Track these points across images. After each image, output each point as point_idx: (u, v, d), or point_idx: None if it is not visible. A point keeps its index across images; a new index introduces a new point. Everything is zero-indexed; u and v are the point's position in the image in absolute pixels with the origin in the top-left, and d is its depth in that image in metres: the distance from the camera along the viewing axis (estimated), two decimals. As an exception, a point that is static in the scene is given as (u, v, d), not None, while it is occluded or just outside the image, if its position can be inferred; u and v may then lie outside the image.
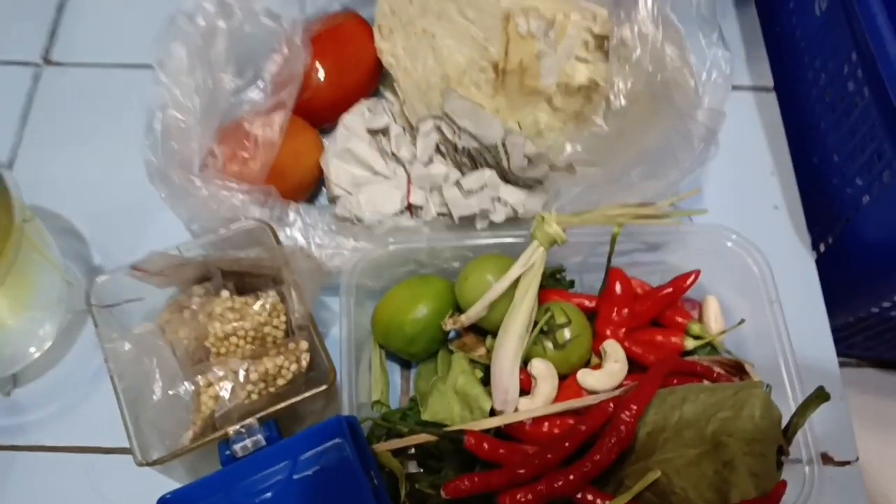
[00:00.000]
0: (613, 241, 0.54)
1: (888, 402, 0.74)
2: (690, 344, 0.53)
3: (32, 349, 0.57)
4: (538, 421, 0.49)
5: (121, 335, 0.45)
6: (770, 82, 0.73)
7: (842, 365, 0.63)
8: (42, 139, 0.68)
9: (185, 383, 0.45)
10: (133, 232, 0.62)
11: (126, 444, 0.55)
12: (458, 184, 0.55)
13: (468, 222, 0.54)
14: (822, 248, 0.67)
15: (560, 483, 0.45)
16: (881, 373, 0.76)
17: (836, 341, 0.63)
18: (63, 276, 0.56)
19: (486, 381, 0.51)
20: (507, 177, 0.55)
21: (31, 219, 0.49)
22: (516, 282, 0.50)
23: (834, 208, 0.65)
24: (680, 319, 0.54)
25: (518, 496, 0.45)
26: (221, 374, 0.45)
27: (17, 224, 0.48)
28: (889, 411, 0.75)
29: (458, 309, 0.53)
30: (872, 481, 0.66)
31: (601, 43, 0.55)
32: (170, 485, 0.48)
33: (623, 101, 0.51)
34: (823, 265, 0.66)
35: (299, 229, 0.55)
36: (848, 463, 0.56)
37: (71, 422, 0.56)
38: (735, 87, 0.71)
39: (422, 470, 0.52)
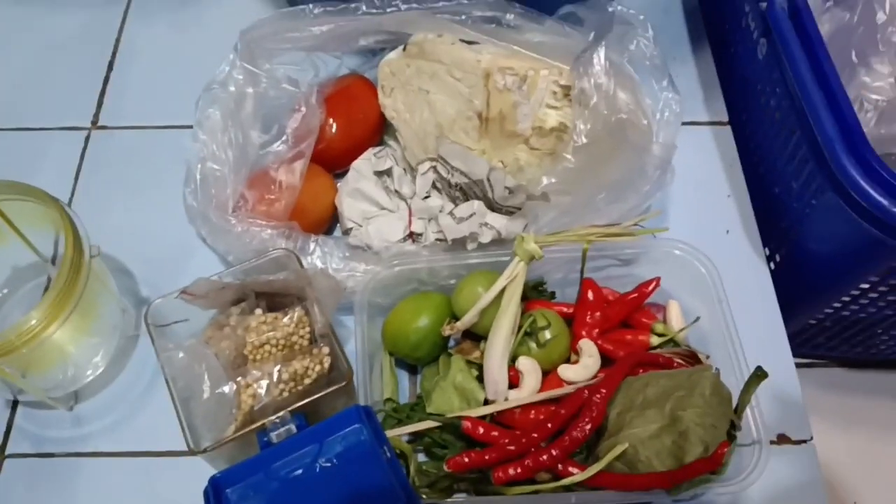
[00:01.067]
0: (584, 256, 0.63)
1: (849, 397, 0.82)
2: (655, 341, 0.62)
3: (90, 371, 0.66)
4: (525, 409, 0.58)
5: (175, 346, 0.55)
6: (725, 117, 0.83)
7: (810, 366, 0.72)
8: (93, 193, 0.78)
9: (229, 384, 0.54)
10: (173, 266, 0.72)
11: (174, 448, 0.64)
12: (451, 213, 0.65)
13: (460, 244, 0.64)
14: (777, 258, 0.76)
15: (544, 457, 0.53)
16: (845, 371, 0.84)
17: (801, 343, 0.71)
18: (119, 305, 0.66)
19: (480, 378, 0.60)
20: (492, 206, 0.65)
21: (96, 254, 0.59)
22: (502, 292, 0.60)
23: (783, 225, 0.74)
24: (646, 320, 0.63)
25: (509, 470, 0.53)
26: (258, 375, 0.54)
27: (87, 260, 0.58)
28: (849, 404, 0.82)
29: (455, 317, 0.63)
30: (832, 466, 0.73)
31: (567, 92, 0.66)
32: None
33: (584, 140, 0.61)
34: (778, 276, 0.74)
35: (318, 257, 0.65)
36: (804, 441, 0.64)
37: (126, 430, 0.65)
38: (694, 123, 0.82)
39: (428, 459, 0.60)
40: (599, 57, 0.61)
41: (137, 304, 0.71)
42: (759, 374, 0.54)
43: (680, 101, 0.69)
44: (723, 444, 0.51)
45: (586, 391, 0.56)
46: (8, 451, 0.65)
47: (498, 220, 0.63)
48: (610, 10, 0.69)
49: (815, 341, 0.84)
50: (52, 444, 0.65)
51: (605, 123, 0.61)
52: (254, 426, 0.53)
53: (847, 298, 0.72)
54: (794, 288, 0.74)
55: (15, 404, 0.67)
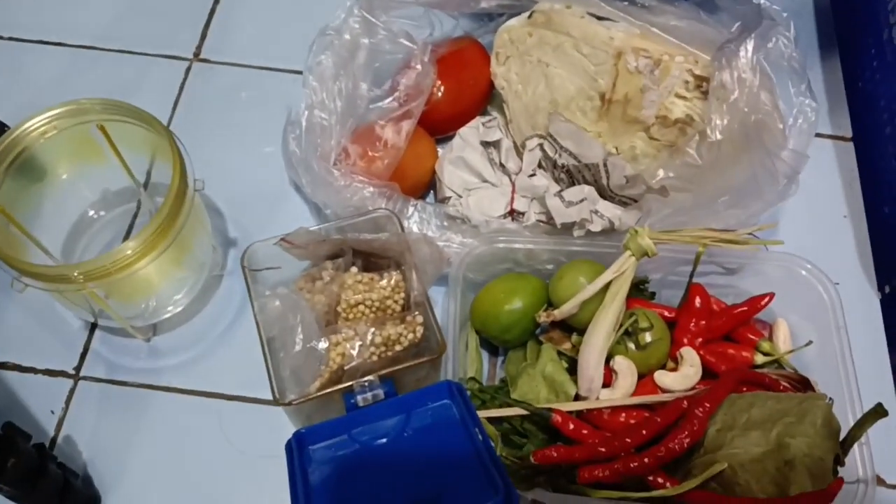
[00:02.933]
0: (697, 260, 0.59)
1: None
2: (759, 359, 0.58)
3: (171, 306, 0.65)
4: (616, 411, 0.55)
5: (272, 293, 0.53)
6: (849, 133, 0.78)
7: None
8: (188, 125, 0.77)
9: (322, 339, 0.52)
10: (264, 211, 0.71)
11: (246, 393, 0.64)
12: (559, 195, 0.62)
13: (567, 229, 0.61)
14: (886, 289, 0.71)
15: (635, 464, 0.51)
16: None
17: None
18: (211, 242, 0.65)
19: (571, 371, 0.58)
20: (603, 193, 0.62)
21: (200, 189, 0.58)
22: (607, 286, 0.57)
23: (899, 253, 0.69)
24: (751, 336, 0.59)
25: (596, 471, 0.51)
26: (351, 334, 0.53)
27: (190, 193, 0.56)
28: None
29: (551, 304, 0.60)
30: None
31: (700, 83, 0.62)
32: (289, 432, 0.56)
33: (718, 136, 0.57)
34: (887, 306, 0.70)
35: (416, 222, 0.63)
36: (897, 487, 0.60)
37: (200, 369, 0.65)
38: (816, 135, 0.77)
39: (503, 445, 0.58)
40: (747, 50, 0.57)
41: (225, 244, 0.70)
42: (879, 411, 0.50)
43: (816, 109, 0.64)
44: (838, 482, 0.48)
45: (685, 402, 0.53)
46: (83, 373, 0.65)
47: (610, 210, 0.60)
48: (755, 1, 0.64)
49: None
50: (127, 372, 0.65)
51: (743, 122, 0.57)
52: (341, 386, 0.51)
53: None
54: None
55: (93, 328, 0.67)
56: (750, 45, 0.57)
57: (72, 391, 0.64)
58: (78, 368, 0.65)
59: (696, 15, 0.65)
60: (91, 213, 0.69)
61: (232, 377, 0.64)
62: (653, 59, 0.61)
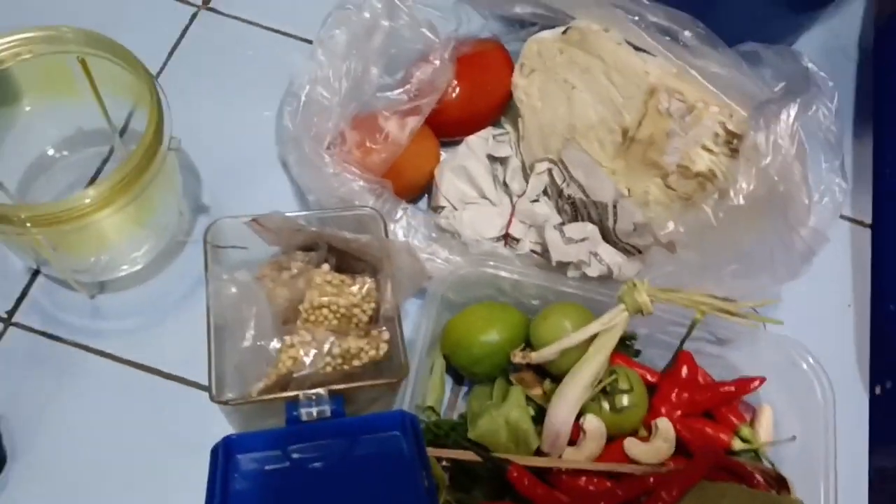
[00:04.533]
0: (692, 327, 0.55)
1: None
2: (737, 445, 0.54)
3: (126, 265, 0.60)
4: (577, 474, 0.51)
5: (229, 278, 0.48)
6: (869, 219, 0.74)
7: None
8: (182, 76, 0.71)
9: (275, 339, 0.47)
10: (245, 184, 0.66)
11: (186, 376, 0.59)
12: (559, 228, 0.57)
13: (561, 268, 0.56)
14: (877, 389, 0.68)
15: (587, 538, 0.46)
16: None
17: (870, 485, 0.63)
18: (178, 207, 0.59)
19: (536, 420, 0.53)
20: (606, 236, 0.58)
21: (175, 148, 0.52)
22: (592, 337, 0.52)
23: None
24: (733, 419, 0.55)
25: (544, 537, 0.47)
26: (308, 339, 0.48)
27: (164, 150, 0.51)
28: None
29: (529, 345, 0.55)
30: None
31: (730, 139, 0.57)
32: (222, 428, 0.51)
33: (742, 201, 0.53)
34: (875, 407, 0.66)
35: (403, 227, 0.58)
36: None
37: (142, 340, 0.60)
38: (836, 216, 0.73)
39: (450, 485, 0.54)
40: (788, 115, 0.53)
41: (195, 211, 0.65)
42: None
43: (845, 191, 0.60)
44: None
45: (653, 479, 0.48)
46: (15, 319, 0.60)
47: (611, 255, 0.56)
48: (804, 64, 0.60)
49: (888, 487, 0.76)
50: (63, 328, 0.60)
51: (771, 190, 0.53)
52: (286, 394, 0.47)
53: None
54: (890, 426, 0.66)
55: (36, 273, 0.61)
56: (793, 110, 0.53)
57: (-1, 336, 0.59)
58: (11, 314, 0.60)
59: (739, 66, 0.61)
60: (53, 152, 0.63)
61: (174, 355, 0.59)
62: (687, 104, 0.57)
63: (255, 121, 0.67)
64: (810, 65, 0.60)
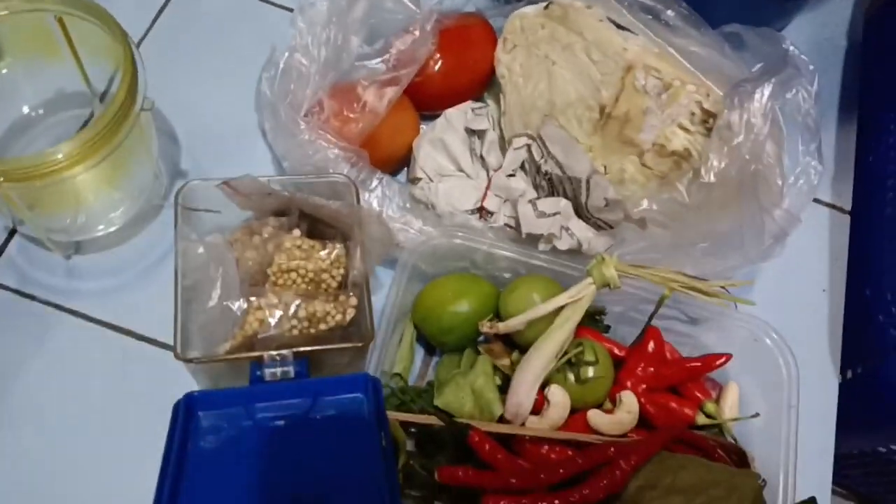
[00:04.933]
0: (661, 303, 0.56)
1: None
2: (701, 420, 0.55)
3: (102, 226, 0.60)
4: (539, 442, 0.51)
5: (198, 238, 0.48)
6: (848, 205, 0.74)
7: (833, 493, 0.65)
8: (165, 41, 0.71)
9: (241, 300, 0.48)
10: (223, 149, 0.66)
11: (158, 337, 0.59)
12: (532, 202, 0.57)
13: (532, 241, 0.56)
14: (848, 374, 0.68)
15: (544, 504, 0.47)
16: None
17: (834, 470, 0.63)
18: (154, 169, 0.60)
19: (501, 390, 0.54)
20: (579, 211, 0.58)
21: (149, 108, 0.53)
22: (560, 309, 0.53)
23: (872, 342, 0.66)
24: (698, 394, 0.56)
25: (502, 502, 0.47)
26: (275, 301, 0.48)
27: (137, 110, 0.51)
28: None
29: (498, 316, 0.56)
30: None
31: (706, 118, 0.57)
32: (189, 387, 0.51)
33: (712, 178, 0.53)
34: (844, 392, 0.66)
35: (377, 197, 0.58)
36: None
37: (115, 301, 0.60)
38: (815, 200, 0.73)
39: (416, 451, 0.54)
40: (763, 94, 0.53)
41: (173, 174, 0.65)
42: (811, 505, 0.47)
43: (821, 173, 0.60)
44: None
45: (613, 449, 0.49)
46: (-9, 277, 0.60)
47: (582, 230, 0.56)
48: (784, 46, 0.60)
49: (848, 472, 0.77)
50: (38, 287, 0.60)
51: (741, 169, 0.53)
52: (250, 354, 0.47)
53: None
54: (857, 412, 0.66)
55: (13, 233, 0.61)
56: (767, 90, 0.52)
57: (-26, 294, 0.59)
58: (-14, 272, 0.60)
59: (720, 47, 0.61)
60: (31, 113, 0.63)
61: (146, 317, 0.59)
62: (663, 81, 0.57)
63: (237, 88, 0.67)
64: (791, 48, 0.60)
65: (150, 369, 0.58)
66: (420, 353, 0.61)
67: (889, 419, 0.66)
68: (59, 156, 0.47)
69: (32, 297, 0.60)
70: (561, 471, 0.48)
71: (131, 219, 0.61)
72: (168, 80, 0.68)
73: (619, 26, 0.61)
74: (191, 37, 0.72)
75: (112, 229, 0.61)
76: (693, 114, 0.58)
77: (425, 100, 0.66)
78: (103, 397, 0.57)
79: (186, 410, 0.44)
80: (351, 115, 0.60)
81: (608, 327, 0.60)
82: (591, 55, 0.59)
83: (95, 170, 0.51)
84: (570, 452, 0.51)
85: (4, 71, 0.60)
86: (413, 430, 0.54)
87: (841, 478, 0.79)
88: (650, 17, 0.61)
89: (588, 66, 0.59)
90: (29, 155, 0.48)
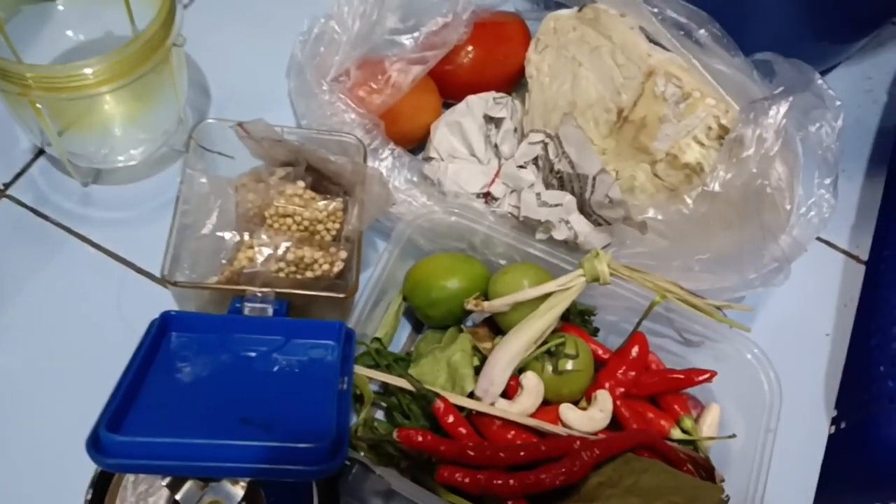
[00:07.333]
0: (650, 308, 0.55)
1: None
2: (676, 434, 0.53)
3: (123, 158, 0.62)
4: (506, 426, 0.51)
5: (203, 169, 0.50)
6: (865, 255, 0.73)
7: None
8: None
9: (233, 233, 0.49)
10: (250, 110, 0.66)
11: (155, 271, 0.60)
12: (537, 193, 0.58)
13: (530, 227, 0.57)
14: (842, 425, 0.66)
15: (499, 482, 0.46)
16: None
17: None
18: (179, 112, 0.62)
19: (478, 371, 0.53)
20: (583, 208, 0.58)
21: (181, 44, 0.55)
22: (547, 296, 0.53)
23: (869, 393, 0.64)
24: (677, 408, 0.55)
25: (457, 474, 0.46)
26: (265, 240, 0.49)
27: (169, 43, 0.54)
28: None
29: (486, 297, 0.56)
30: None
31: (723, 134, 0.57)
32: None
33: (717, 188, 0.52)
34: (833, 444, 0.64)
35: (387, 167, 0.59)
36: None
37: (123, 233, 0.62)
38: (830, 244, 0.72)
39: (385, 420, 0.54)
40: (778, 111, 0.53)
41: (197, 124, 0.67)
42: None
43: (833, 208, 0.59)
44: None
45: (578, 442, 0.48)
46: (10, 192, 0.63)
47: (581, 224, 0.56)
48: (815, 80, 0.60)
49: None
50: (52, 209, 0.62)
51: (747, 184, 0.52)
52: (234, 286, 0.48)
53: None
54: (844, 466, 0.64)
55: (39, 155, 0.64)
56: (783, 107, 0.52)
57: (-8, 205, 0.62)
58: (7, 186, 0.63)
59: (748, 71, 0.61)
60: (76, 47, 0.65)
61: (149, 252, 0.60)
62: (683, 90, 0.57)
63: (273, 54, 0.69)
64: (820, 80, 0.60)
65: (143, 302, 0.58)
66: (407, 328, 0.61)
67: (880, 475, 0.63)
68: (88, 71, 0.49)
69: (46, 217, 0.62)
70: (522, 453, 0.48)
71: (151, 158, 0.63)
72: (209, 36, 0.71)
73: (650, 40, 0.62)
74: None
75: (132, 163, 0.63)
76: (710, 128, 0.57)
77: (451, 88, 0.67)
78: (94, 321, 0.58)
79: (160, 327, 0.44)
80: (374, 87, 0.61)
81: (597, 330, 0.59)
82: (616, 58, 0.60)
83: (121, 97, 0.53)
84: (535, 441, 0.50)
85: (60, 7, 0.64)
86: (384, 404, 0.54)
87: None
88: (682, 32, 0.62)
89: (612, 68, 0.60)
90: (59, 65, 0.50)
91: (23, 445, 0.53)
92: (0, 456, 0.53)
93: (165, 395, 0.40)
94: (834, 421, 0.65)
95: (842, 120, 0.60)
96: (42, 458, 0.53)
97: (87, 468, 0.45)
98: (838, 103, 0.60)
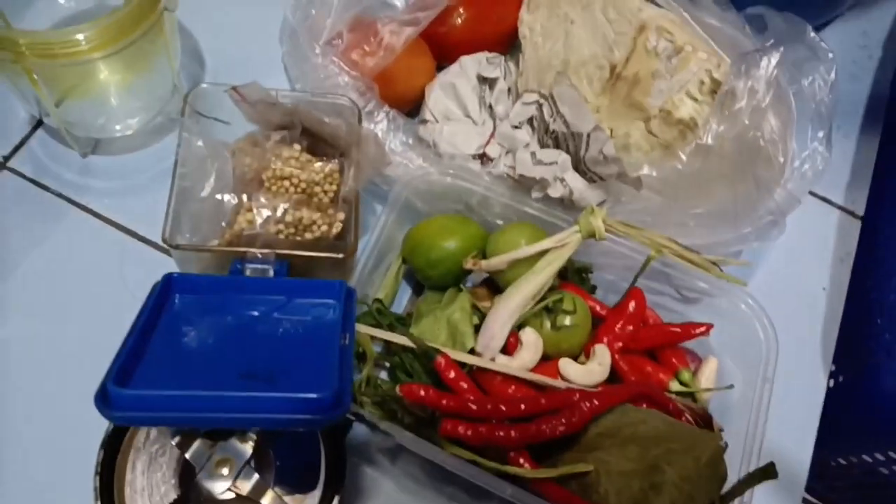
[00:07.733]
0: (646, 263, 0.55)
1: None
2: (675, 387, 0.54)
3: (120, 127, 0.62)
4: (507, 381, 0.51)
5: (199, 132, 0.50)
6: (861, 211, 0.73)
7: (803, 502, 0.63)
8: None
9: (232, 195, 0.49)
10: (247, 73, 0.67)
11: (156, 239, 0.61)
12: (532, 152, 0.58)
13: (525, 186, 0.57)
14: (840, 378, 0.67)
15: (501, 433, 0.47)
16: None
17: (815, 478, 0.61)
18: (174, 79, 0.62)
19: (479, 329, 0.54)
20: (578, 166, 0.58)
21: (173, 9, 0.54)
22: (543, 253, 0.53)
23: (866, 347, 0.65)
24: (675, 361, 0.55)
25: (460, 427, 0.47)
26: (264, 203, 0.50)
27: (160, 8, 0.53)
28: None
29: (484, 256, 0.56)
30: None
31: (715, 88, 0.57)
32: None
33: (710, 141, 0.53)
34: (831, 398, 0.65)
35: (382, 129, 0.59)
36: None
37: (122, 201, 0.62)
38: (827, 201, 0.73)
39: (388, 379, 0.55)
40: (769, 63, 0.53)
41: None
42: (769, 471, 0.46)
43: (827, 161, 0.60)
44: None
45: (577, 394, 0.49)
46: (10, 164, 0.63)
47: (576, 181, 0.56)
48: (808, 33, 0.60)
49: (833, 483, 0.75)
50: (52, 179, 0.63)
51: (740, 136, 0.53)
52: (235, 248, 0.48)
53: None
54: (843, 419, 0.65)
55: (37, 126, 0.64)
56: (774, 58, 0.52)
57: (-8, 176, 0.62)
58: (7, 158, 0.63)
59: (740, 26, 0.61)
60: (71, 16, 0.65)
61: (149, 220, 0.61)
62: (675, 45, 0.57)
63: (267, 21, 0.69)
64: (813, 34, 0.60)
65: (145, 269, 0.58)
66: (407, 291, 0.61)
67: (879, 428, 0.64)
68: (80, 36, 0.49)
69: (46, 188, 0.62)
70: (522, 406, 0.48)
71: (148, 127, 0.64)
72: (201, 1, 0.70)
73: (643, -5, 0.62)
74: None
75: (129, 133, 0.63)
76: (702, 82, 0.58)
77: (446, 50, 0.67)
78: (97, 290, 0.59)
79: (163, 288, 0.45)
80: (367, 49, 0.61)
81: (594, 287, 0.60)
82: (608, 14, 0.60)
83: (115, 64, 0.53)
84: (535, 394, 0.51)
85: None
86: (387, 364, 0.55)
87: (827, 491, 0.77)
88: (675, -11, 0.62)
89: (604, 24, 0.60)
90: (51, 31, 0.50)
91: (31, 413, 0.54)
92: (8, 424, 0.54)
93: (170, 353, 0.41)
94: (832, 375, 0.66)
95: (835, 73, 0.60)
96: (51, 424, 0.54)
97: (97, 431, 0.47)
98: (831, 56, 0.60)
